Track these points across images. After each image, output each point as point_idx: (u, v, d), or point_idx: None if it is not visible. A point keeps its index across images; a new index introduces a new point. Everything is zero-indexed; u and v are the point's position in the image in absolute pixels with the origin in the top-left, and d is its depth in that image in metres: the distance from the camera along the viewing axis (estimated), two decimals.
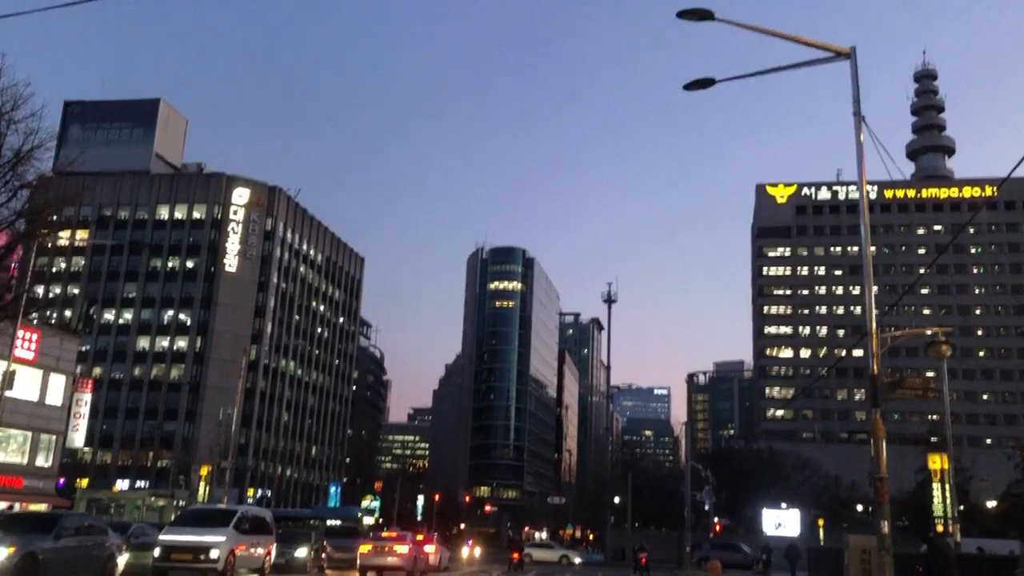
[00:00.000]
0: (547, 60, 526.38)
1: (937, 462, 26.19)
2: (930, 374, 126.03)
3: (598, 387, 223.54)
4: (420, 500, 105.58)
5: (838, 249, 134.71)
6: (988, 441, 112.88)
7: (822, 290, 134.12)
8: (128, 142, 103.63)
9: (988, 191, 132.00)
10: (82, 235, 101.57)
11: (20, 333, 35.22)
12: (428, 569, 33.97)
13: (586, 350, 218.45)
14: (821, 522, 56.56)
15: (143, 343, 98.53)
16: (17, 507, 37.16)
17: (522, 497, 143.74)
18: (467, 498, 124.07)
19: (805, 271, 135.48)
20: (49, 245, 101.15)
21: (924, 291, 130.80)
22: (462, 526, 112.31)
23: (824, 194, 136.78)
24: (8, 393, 32.59)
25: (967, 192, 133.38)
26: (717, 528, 55.64)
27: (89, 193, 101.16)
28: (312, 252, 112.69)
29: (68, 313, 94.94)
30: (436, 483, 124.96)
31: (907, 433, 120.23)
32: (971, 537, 45.21)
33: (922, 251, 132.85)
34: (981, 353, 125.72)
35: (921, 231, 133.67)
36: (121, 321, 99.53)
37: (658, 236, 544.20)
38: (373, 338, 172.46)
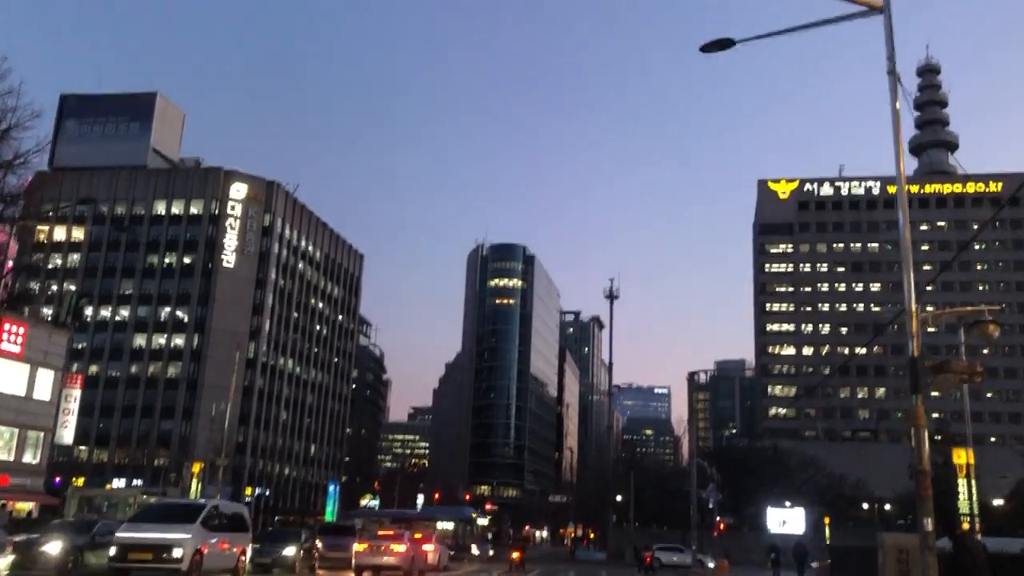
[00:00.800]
0: (549, 57, 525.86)
1: (963, 456, 25.12)
2: None
3: (598, 386, 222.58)
4: (420, 499, 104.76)
5: (841, 246, 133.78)
6: (992, 439, 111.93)
7: (824, 287, 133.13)
8: (124, 136, 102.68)
9: (992, 187, 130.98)
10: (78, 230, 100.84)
11: (6, 327, 34.12)
12: (427, 569, 32.88)
13: (587, 348, 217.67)
14: (828, 520, 55.50)
15: (140, 340, 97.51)
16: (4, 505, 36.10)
17: (522, 496, 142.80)
18: (467, 496, 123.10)
19: (807, 268, 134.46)
20: (43, 240, 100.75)
21: (928, 288, 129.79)
22: None
23: (827, 190, 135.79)
24: None
25: (971, 188, 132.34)
26: (721, 527, 54.70)
27: (85, 188, 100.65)
28: (311, 248, 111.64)
29: (64, 309, 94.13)
30: (436, 482, 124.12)
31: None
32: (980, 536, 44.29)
33: (925, 247, 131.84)
34: (985, 351, 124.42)
35: (924, 227, 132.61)
36: (118, 318, 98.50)
37: (658, 234, 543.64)
38: (373, 337, 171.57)
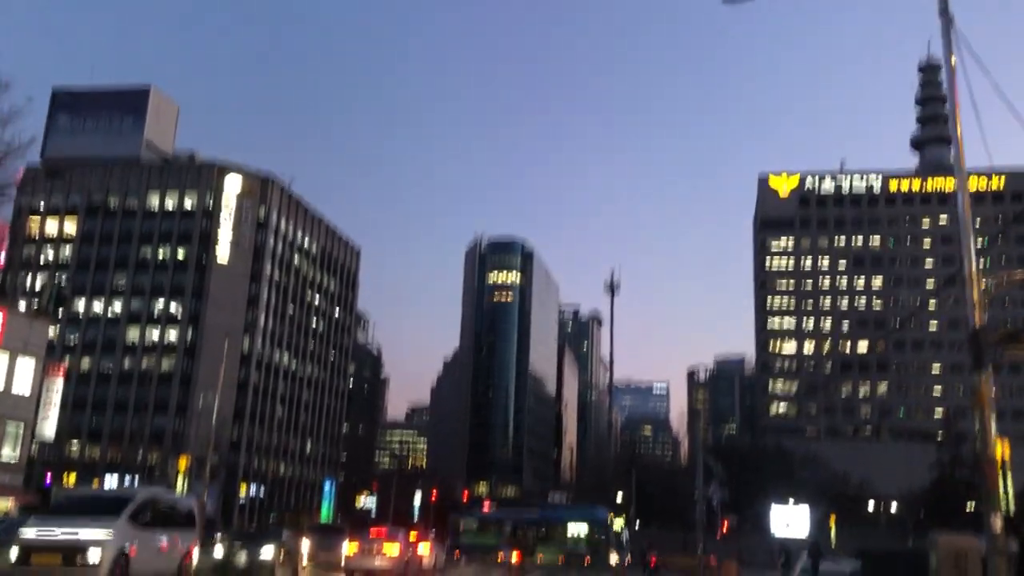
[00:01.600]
0: (548, 51, 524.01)
1: (999, 448, 23.49)
2: (936, 369, 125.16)
3: (597, 383, 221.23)
4: (417, 497, 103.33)
5: (842, 241, 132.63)
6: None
7: (826, 283, 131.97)
8: (118, 130, 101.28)
9: (996, 182, 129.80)
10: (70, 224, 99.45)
11: None
12: (421, 571, 31.45)
13: (586, 346, 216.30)
14: (833, 519, 54.19)
15: (133, 334, 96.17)
16: None
17: (522, 494, 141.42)
18: (465, 495, 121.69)
19: (808, 264, 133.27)
20: (35, 233, 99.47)
21: (929, 284, 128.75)
22: None
23: (828, 185, 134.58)
24: None
25: (973, 184, 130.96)
26: (724, 527, 53.32)
27: (78, 182, 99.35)
28: (306, 242, 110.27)
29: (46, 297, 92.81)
30: (434, 480, 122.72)
31: (914, 429, 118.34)
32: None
33: (927, 243, 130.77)
34: None
35: (926, 223, 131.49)
36: (110, 312, 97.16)
37: (658, 230, 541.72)
38: (370, 333, 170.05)
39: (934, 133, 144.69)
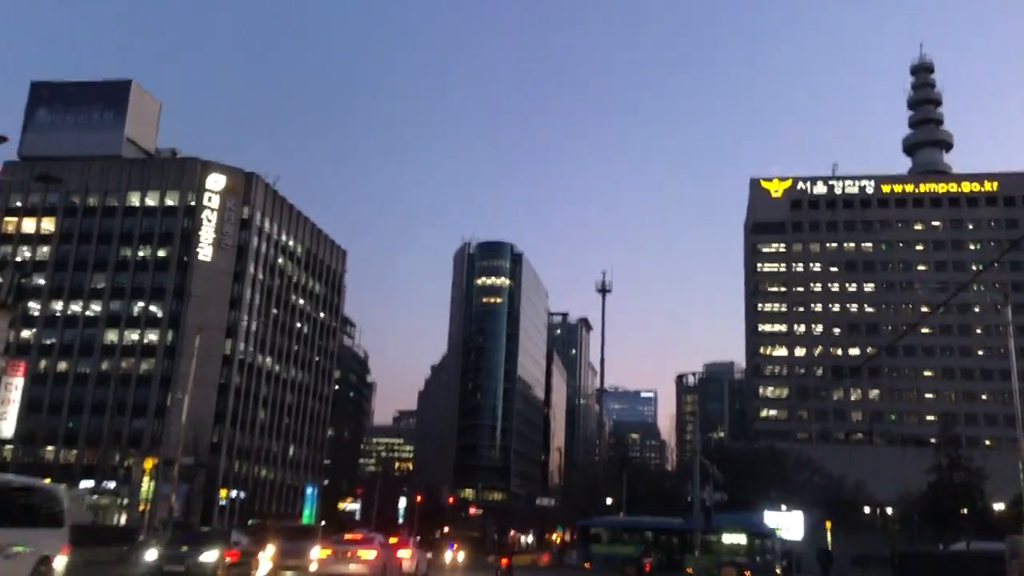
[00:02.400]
0: (539, 54, 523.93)
1: None
2: (928, 373, 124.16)
3: (586, 389, 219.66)
4: (402, 502, 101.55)
5: (834, 245, 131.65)
6: (987, 442, 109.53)
7: (817, 287, 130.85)
8: (98, 126, 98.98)
9: (988, 186, 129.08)
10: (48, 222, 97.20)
11: None
12: None
13: (574, 351, 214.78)
14: (829, 524, 52.68)
15: (112, 336, 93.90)
16: None
17: (508, 499, 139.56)
18: (451, 499, 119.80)
19: (800, 268, 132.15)
20: (12, 231, 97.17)
21: (921, 290, 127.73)
22: (446, 529, 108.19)
23: (820, 188, 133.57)
24: None
25: (966, 187, 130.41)
26: None
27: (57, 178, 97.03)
28: (291, 243, 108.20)
29: (32, 303, 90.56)
30: (421, 485, 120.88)
31: (906, 434, 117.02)
32: (986, 539, 41.90)
33: (920, 247, 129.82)
34: (980, 352, 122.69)
35: (919, 227, 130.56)
36: (89, 312, 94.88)
37: (648, 235, 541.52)
38: (357, 339, 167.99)
39: (926, 136, 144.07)
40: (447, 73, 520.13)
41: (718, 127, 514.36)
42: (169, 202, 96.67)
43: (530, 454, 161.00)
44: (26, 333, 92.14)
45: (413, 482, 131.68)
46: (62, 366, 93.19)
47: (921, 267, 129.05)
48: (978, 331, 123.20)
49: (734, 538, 38.95)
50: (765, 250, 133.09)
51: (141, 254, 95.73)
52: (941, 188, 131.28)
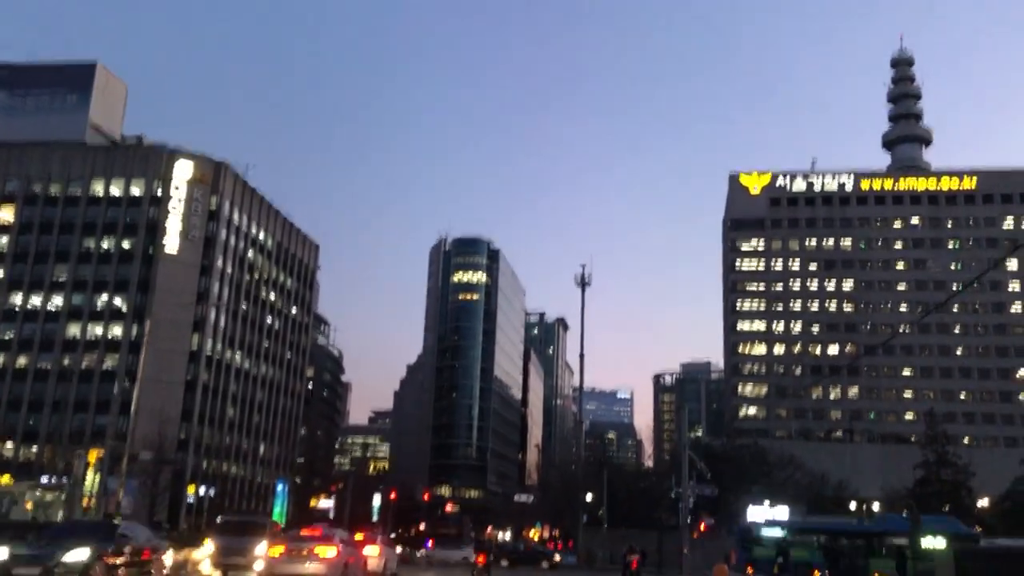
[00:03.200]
0: (516, 49, 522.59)
1: None
2: (907, 372, 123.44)
3: (562, 388, 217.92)
4: (377, 499, 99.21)
5: (813, 243, 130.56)
6: (965, 440, 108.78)
7: (796, 285, 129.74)
8: (61, 110, 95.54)
9: (967, 183, 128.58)
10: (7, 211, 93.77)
11: None
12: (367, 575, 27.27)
13: (551, 350, 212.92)
14: None
15: (74, 330, 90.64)
16: None
17: (485, 497, 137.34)
18: (426, 495, 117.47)
19: (779, 265, 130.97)
20: None
21: (901, 287, 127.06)
22: (422, 527, 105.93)
23: (799, 184, 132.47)
24: None
25: (945, 184, 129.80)
26: (702, 527, 49.95)
27: (16, 165, 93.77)
28: (262, 236, 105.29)
29: None
30: (396, 484, 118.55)
31: (885, 432, 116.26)
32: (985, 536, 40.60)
33: (899, 245, 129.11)
34: (959, 351, 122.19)
35: (898, 224, 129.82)
36: (50, 306, 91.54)
37: (624, 234, 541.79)
38: (332, 338, 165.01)
39: (906, 132, 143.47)
40: (424, 68, 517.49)
41: (697, 122, 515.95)
42: (134, 191, 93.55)
43: (507, 453, 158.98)
44: None
45: (389, 481, 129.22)
46: (22, 361, 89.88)
47: (900, 265, 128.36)
48: (956, 330, 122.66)
49: (933, 542, 33.08)
50: (743, 247, 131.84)
51: (105, 245, 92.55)
52: (920, 185, 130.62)
